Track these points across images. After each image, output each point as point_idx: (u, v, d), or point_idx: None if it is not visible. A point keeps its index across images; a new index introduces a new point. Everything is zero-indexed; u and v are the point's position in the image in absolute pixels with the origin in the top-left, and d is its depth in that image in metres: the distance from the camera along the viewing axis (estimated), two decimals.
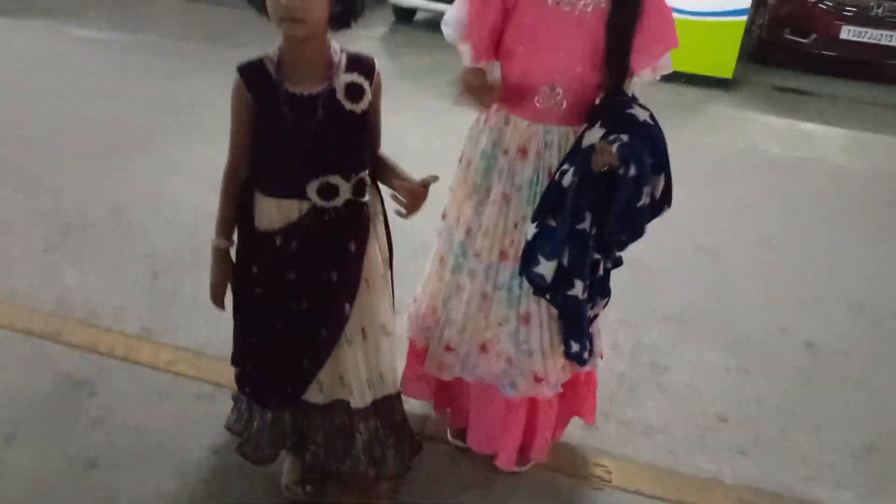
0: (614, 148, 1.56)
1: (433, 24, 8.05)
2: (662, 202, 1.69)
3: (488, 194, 1.76)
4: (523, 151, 1.72)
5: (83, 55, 5.85)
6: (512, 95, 1.71)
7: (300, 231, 1.57)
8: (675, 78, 6.58)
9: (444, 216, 1.89)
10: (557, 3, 1.60)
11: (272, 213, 1.58)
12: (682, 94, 6.31)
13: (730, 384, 2.59)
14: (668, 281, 3.20)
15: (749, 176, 4.69)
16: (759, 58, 7.91)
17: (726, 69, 6.68)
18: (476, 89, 1.65)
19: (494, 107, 1.75)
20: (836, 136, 5.76)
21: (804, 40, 7.52)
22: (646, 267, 3.15)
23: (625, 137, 1.58)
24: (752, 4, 6.65)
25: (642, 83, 1.72)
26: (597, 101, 1.71)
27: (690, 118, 5.80)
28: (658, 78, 1.73)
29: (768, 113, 6.26)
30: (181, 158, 3.99)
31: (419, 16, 8.32)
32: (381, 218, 1.73)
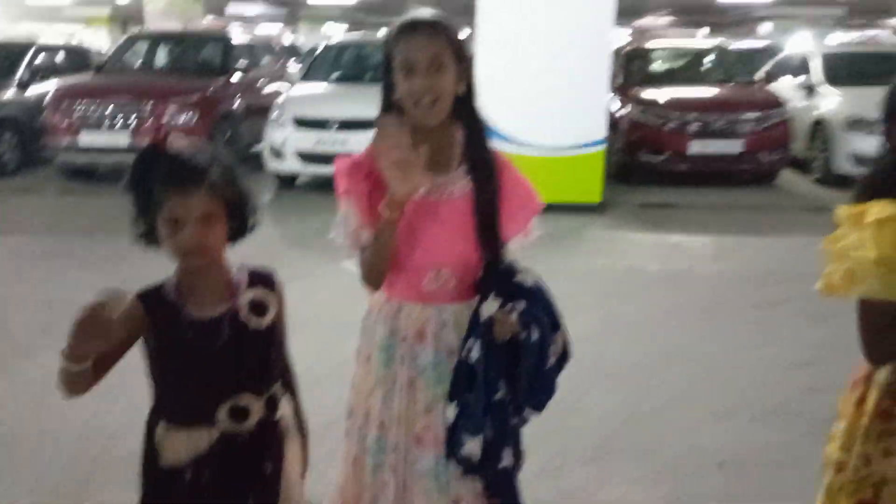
0: (514, 316, 1.64)
1: (316, 186, 8.26)
2: (564, 356, 1.77)
3: (394, 383, 1.78)
4: (421, 335, 1.76)
5: None
6: (400, 283, 1.77)
7: (211, 461, 1.52)
8: (552, 209, 6.99)
9: (350, 414, 1.86)
10: (426, 195, 1.70)
11: (179, 445, 1.53)
12: (559, 224, 6.65)
13: None
14: (581, 416, 3.25)
15: (635, 294, 4.93)
16: (622, 179, 8.53)
17: (595, 195, 7.15)
18: (376, 262, 1.68)
19: (385, 297, 1.80)
20: (702, 245, 6.20)
21: (658, 158, 8.23)
22: (556, 406, 3.18)
23: (521, 305, 1.66)
24: (608, 134, 7.25)
25: (517, 248, 1.83)
26: (481, 274, 1.79)
27: (571, 246, 6.10)
28: (531, 240, 1.84)
29: (639, 230, 6.70)
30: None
31: (301, 179, 8.53)
32: (295, 428, 1.70)
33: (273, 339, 1.60)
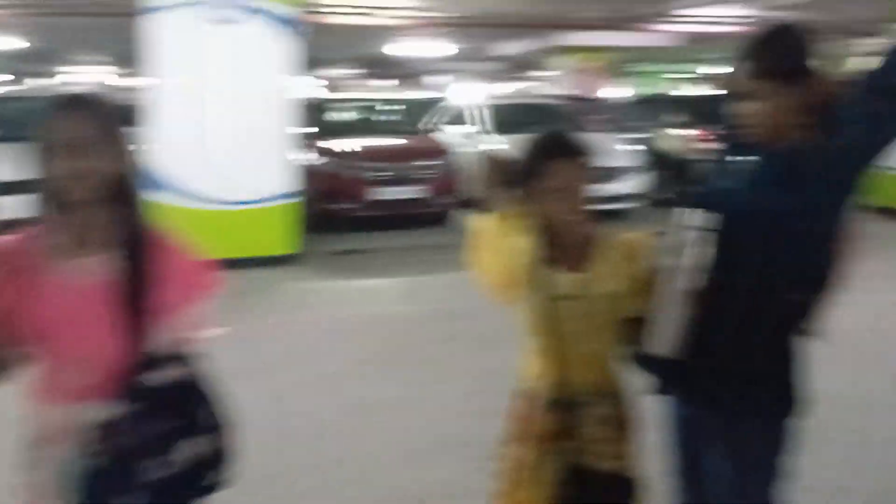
0: (119, 421, 1.53)
1: None
2: (216, 460, 1.65)
3: (36, 488, 1.62)
4: (58, 438, 1.61)
5: None
6: (44, 382, 1.61)
7: None
8: (248, 264, 6.85)
9: None
10: (65, 280, 1.58)
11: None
12: (255, 279, 6.56)
13: None
14: (278, 477, 3.17)
15: (329, 344, 5.01)
16: (316, 228, 8.67)
17: (289, 246, 7.16)
18: None
19: (30, 397, 1.64)
20: (395, 286, 6.53)
21: (345, 206, 8.53)
22: (252, 470, 3.09)
23: (133, 407, 1.55)
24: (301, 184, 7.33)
25: (184, 334, 1.69)
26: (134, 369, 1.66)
27: (264, 301, 6.03)
28: (205, 328, 1.72)
29: (334, 278, 6.85)
30: None
31: None
32: None
33: None
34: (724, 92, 1.82)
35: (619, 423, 1.86)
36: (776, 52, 1.69)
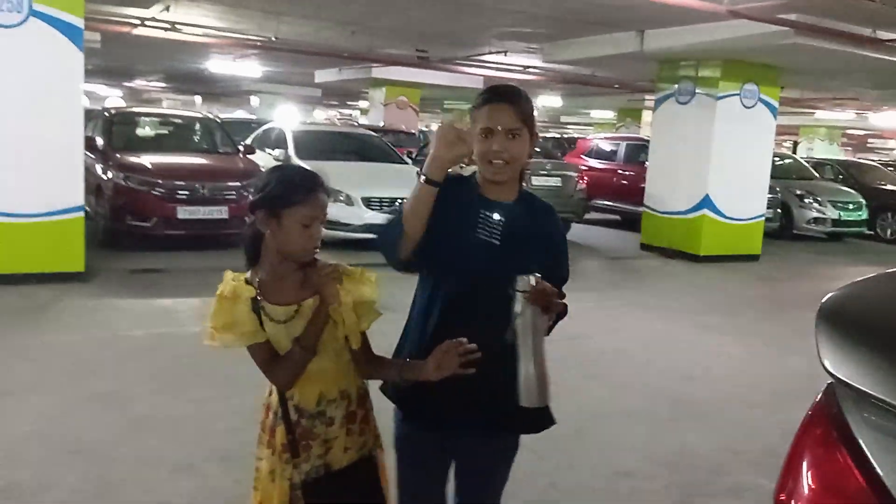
0: None
1: None
2: None
3: None
4: None
5: None
6: None
7: None
8: (27, 280, 6.44)
9: None
10: None
11: None
12: (33, 296, 6.21)
13: None
14: (42, 496, 3.10)
15: (116, 363, 4.86)
16: (111, 245, 8.32)
17: (77, 263, 6.82)
18: None
19: None
20: (191, 306, 6.43)
21: (147, 224, 8.25)
22: (18, 488, 3.01)
23: None
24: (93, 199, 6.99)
25: None
26: None
27: (49, 318, 5.73)
28: None
29: (126, 297, 6.62)
30: None
31: None
32: None
33: None
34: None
35: (357, 417, 2.01)
36: (529, 103, 1.88)
